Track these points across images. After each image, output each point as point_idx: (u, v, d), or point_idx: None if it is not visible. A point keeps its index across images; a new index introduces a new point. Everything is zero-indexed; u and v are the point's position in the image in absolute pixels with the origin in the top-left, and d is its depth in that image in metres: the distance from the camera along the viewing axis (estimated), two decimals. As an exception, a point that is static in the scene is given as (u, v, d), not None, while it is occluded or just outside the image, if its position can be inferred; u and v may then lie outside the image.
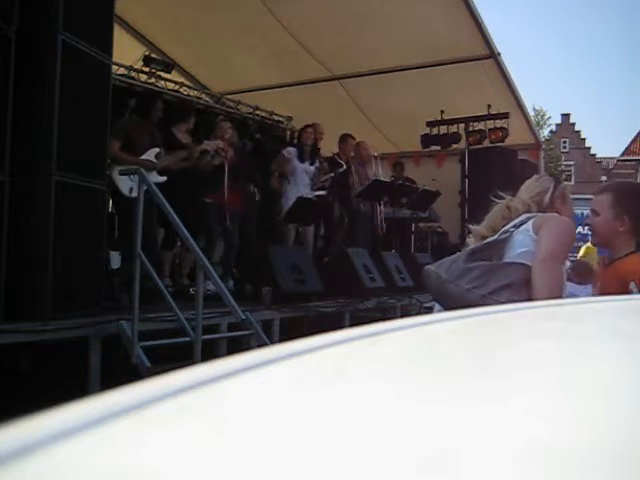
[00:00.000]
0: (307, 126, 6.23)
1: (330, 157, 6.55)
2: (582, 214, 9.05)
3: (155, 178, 4.64)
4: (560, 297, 1.74)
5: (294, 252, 5.45)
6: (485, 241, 1.99)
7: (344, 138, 6.68)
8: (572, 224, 2.07)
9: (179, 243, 5.14)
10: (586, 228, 3.04)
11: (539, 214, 1.99)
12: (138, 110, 5.05)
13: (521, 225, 1.95)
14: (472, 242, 2.07)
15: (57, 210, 3.30)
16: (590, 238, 2.40)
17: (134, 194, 4.10)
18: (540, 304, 0.67)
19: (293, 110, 8.00)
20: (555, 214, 2.04)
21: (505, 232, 1.95)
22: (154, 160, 4.73)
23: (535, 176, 2.26)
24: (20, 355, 3.24)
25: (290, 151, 6.01)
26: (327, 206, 6.40)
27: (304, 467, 0.21)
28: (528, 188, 2.12)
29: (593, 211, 2.09)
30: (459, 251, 2.03)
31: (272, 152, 6.38)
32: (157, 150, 4.77)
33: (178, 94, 6.94)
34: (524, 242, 1.88)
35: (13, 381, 3.14)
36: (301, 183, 5.89)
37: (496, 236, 1.97)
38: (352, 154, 6.72)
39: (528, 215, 1.99)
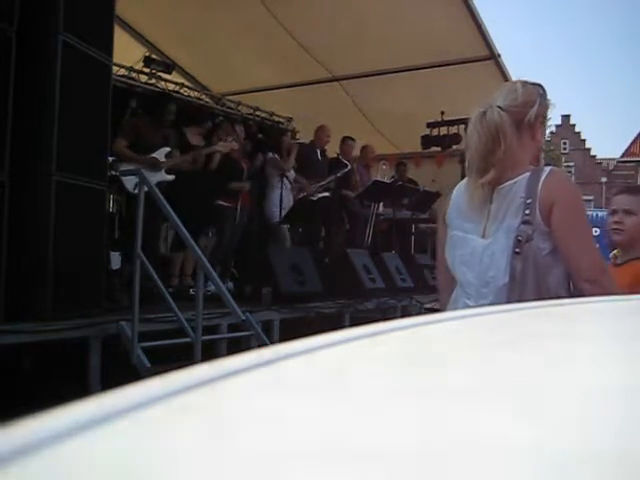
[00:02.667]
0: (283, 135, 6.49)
1: (334, 158, 6.58)
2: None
3: (163, 177, 4.68)
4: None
5: (294, 252, 5.46)
6: (489, 244, 1.53)
7: (344, 140, 6.71)
8: (577, 188, 1.68)
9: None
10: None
11: (533, 177, 1.52)
12: (150, 110, 5.07)
13: (518, 208, 1.51)
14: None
15: (57, 210, 3.30)
16: (614, 237, 2.16)
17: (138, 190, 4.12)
18: (540, 304, 0.67)
19: (293, 111, 8.00)
20: (555, 172, 1.57)
21: (505, 223, 1.52)
22: (163, 159, 4.75)
23: (518, 81, 1.64)
24: (21, 355, 3.24)
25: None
26: (331, 207, 6.41)
27: (304, 467, 0.21)
28: (510, 93, 1.57)
29: (627, 211, 2.10)
30: None
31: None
32: (168, 149, 4.80)
33: (190, 98, 6.96)
34: (541, 243, 1.49)
35: (14, 381, 3.14)
36: (276, 186, 5.92)
37: (494, 226, 1.54)
38: (353, 155, 6.76)
39: (514, 185, 1.53)
